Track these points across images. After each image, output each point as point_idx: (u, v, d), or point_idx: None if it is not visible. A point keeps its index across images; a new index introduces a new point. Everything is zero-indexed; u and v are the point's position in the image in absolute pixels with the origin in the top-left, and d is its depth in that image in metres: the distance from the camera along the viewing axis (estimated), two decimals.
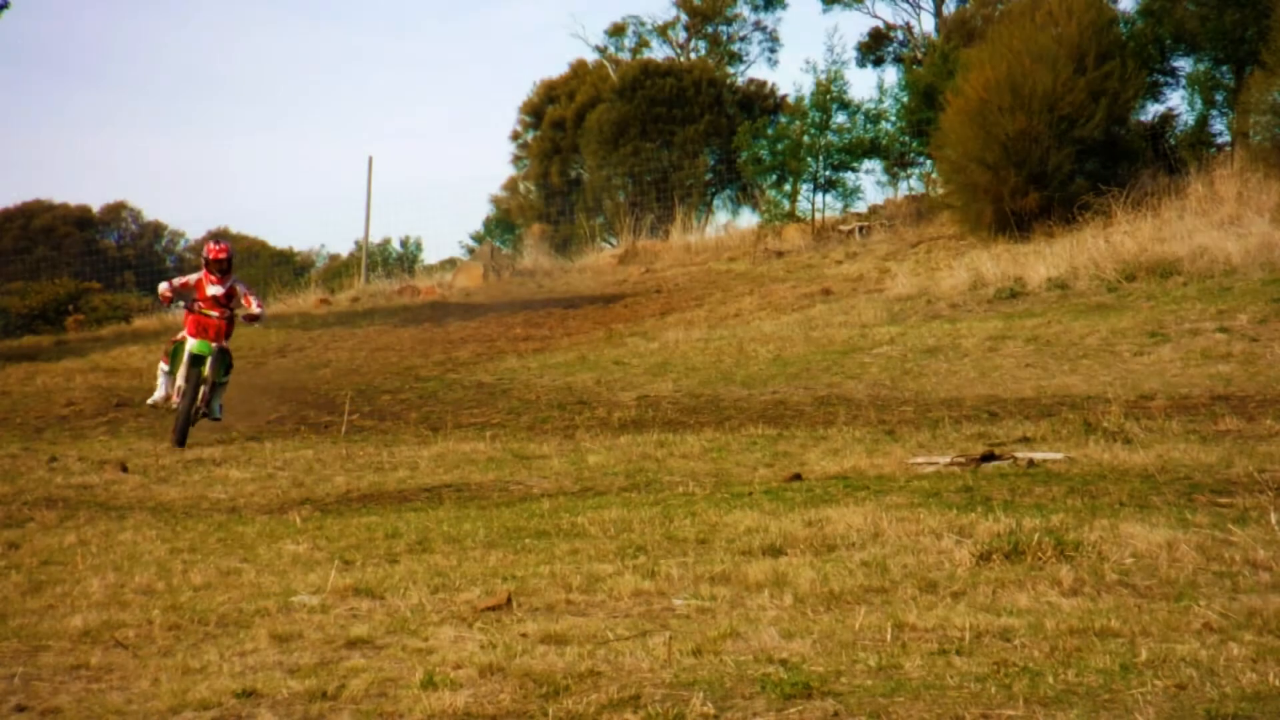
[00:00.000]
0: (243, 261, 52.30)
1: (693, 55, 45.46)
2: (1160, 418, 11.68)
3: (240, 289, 14.11)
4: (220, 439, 14.27)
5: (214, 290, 13.92)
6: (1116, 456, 10.01)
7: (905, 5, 44.37)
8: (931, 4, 39.32)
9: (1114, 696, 4.83)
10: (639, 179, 38.52)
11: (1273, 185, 21.56)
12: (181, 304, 13.97)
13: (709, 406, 14.78)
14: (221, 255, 14.01)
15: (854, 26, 76.78)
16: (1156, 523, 7.49)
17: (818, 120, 29.24)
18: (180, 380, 13.68)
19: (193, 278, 14.03)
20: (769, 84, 43.14)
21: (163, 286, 13.98)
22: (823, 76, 29.46)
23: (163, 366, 14.06)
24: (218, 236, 13.98)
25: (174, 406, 13.84)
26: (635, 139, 39.77)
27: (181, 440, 13.56)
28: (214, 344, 13.67)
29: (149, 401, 14.39)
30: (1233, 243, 19.34)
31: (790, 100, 33.92)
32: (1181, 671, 5.01)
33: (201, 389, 13.63)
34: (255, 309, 14.07)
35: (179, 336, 13.99)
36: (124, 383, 19.18)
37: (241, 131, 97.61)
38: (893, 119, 29.53)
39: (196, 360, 13.67)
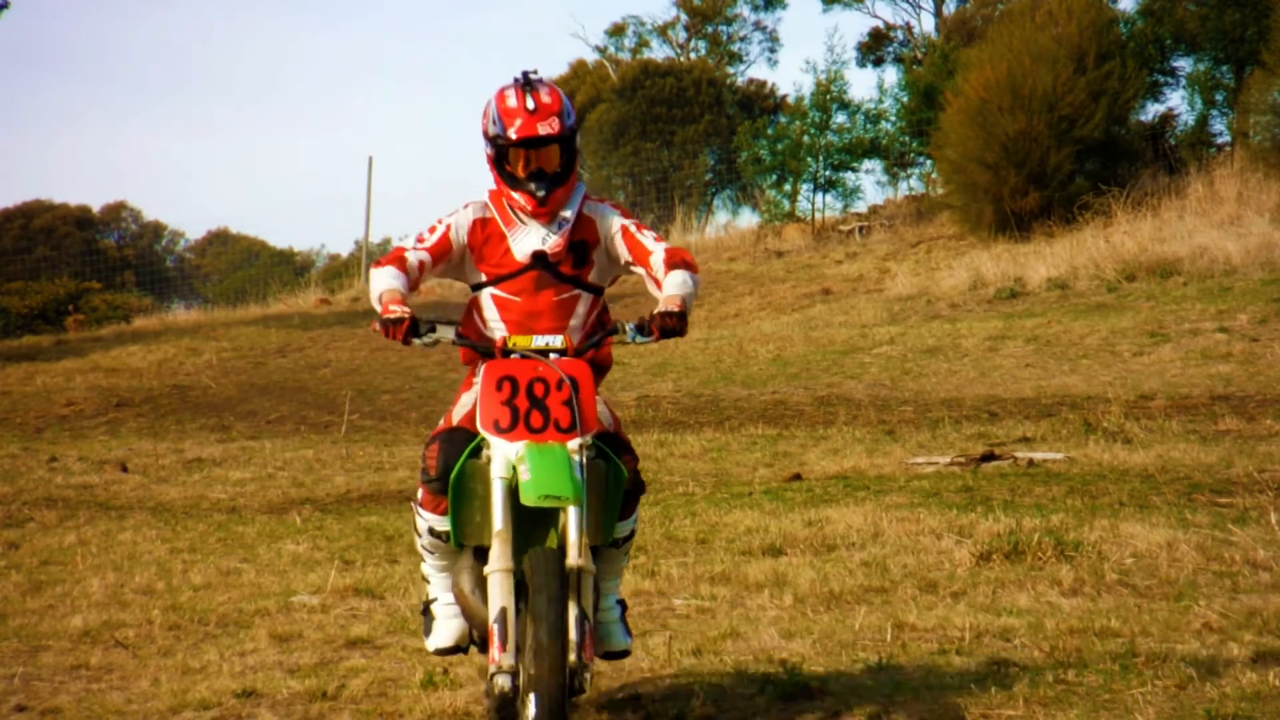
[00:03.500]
0: (243, 261, 52.02)
1: (693, 55, 45.47)
2: (1160, 418, 11.67)
3: (608, 220, 4.87)
4: (220, 439, 14.21)
5: (532, 241, 4.81)
6: (1116, 456, 10.01)
7: (905, 5, 44.40)
8: (931, 4, 39.35)
9: (1114, 696, 4.83)
10: (639, 179, 38.51)
11: (1273, 185, 21.55)
12: (439, 334, 4.85)
13: (709, 406, 14.77)
14: (547, 128, 4.65)
15: (854, 26, 77.15)
16: (1156, 523, 7.50)
17: (818, 120, 29.20)
18: (497, 577, 4.29)
19: (461, 222, 4.95)
20: (769, 84, 43.23)
21: (384, 282, 5.02)
22: (823, 76, 29.44)
23: (427, 521, 4.69)
24: (528, 78, 4.64)
25: (498, 679, 4.18)
26: (635, 139, 39.79)
27: None
28: (570, 445, 4.37)
29: (434, 646, 4.69)
30: (1233, 243, 19.33)
31: (790, 100, 33.94)
32: (1181, 671, 5.01)
33: (572, 610, 4.16)
34: (681, 279, 4.74)
35: (452, 422, 4.79)
36: (124, 383, 19.15)
37: (241, 131, 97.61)
38: (893, 119, 29.52)
39: (529, 520, 4.44)
